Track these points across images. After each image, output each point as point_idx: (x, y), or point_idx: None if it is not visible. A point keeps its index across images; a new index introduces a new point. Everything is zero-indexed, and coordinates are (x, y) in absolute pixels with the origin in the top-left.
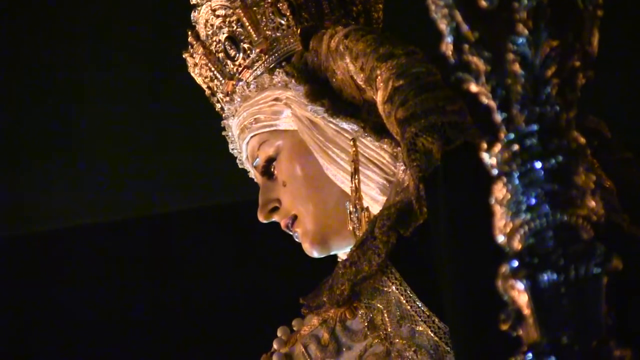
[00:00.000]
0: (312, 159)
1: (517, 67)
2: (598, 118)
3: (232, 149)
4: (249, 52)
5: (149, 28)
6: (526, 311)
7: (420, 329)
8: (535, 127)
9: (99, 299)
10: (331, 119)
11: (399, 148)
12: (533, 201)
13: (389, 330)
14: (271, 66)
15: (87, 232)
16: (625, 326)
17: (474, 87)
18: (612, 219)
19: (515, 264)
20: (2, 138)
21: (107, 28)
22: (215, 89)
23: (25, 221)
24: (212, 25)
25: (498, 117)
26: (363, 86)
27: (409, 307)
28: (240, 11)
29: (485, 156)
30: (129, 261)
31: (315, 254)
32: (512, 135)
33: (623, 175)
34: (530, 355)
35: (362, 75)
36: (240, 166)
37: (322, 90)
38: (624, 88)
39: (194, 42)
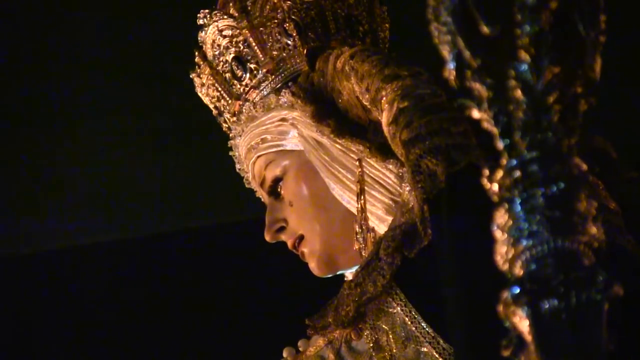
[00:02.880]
0: (319, 179)
1: (519, 94)
2: (604, 139)
3: (239, 169)
4: (255, 72)
5: (153, 47)
6: (527, 337)
7: (425, 350)
8: (536, 153)
9: (105, 318)
10: (337, 140)
11: (405, 168)
12: (534, 227)
13: (394, 351)
14: (277, 86)
15: (87, 252)
16: (628, 351)
17: (476, 113)
18: (617, 240)
19: (517, 290)
20: (13, 153)
21: (109, 46)
22: (222, 108)
23: (29, 242)
24: (219, 45)
25: (500, 143)
26: (368, 107)
27: (413, 328)
28: (246, 31)
29: (486, 182)
30: (129, 282)
31: (321, 273)
32: (514, 162)
33: (628, 196)
34: None
35: (367, 96)
36: (247, 185)
37: (328, 110)
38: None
39: (201, 62)
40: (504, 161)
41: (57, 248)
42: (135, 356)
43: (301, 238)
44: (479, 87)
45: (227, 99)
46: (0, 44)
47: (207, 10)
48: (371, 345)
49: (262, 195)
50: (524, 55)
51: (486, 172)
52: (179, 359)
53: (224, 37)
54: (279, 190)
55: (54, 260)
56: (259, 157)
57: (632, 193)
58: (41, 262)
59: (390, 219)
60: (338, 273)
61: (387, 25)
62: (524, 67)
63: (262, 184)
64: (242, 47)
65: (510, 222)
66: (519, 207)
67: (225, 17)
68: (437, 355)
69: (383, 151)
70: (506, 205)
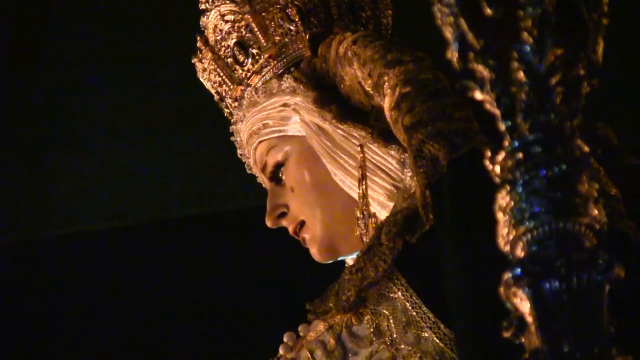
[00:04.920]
0: (320, 164)
1: (521, 76)
2: (607, 125)
3: (241, 154)
4: (257, 57)
5: (156, 33)
6: (528, 319)
7: (426, 335)
8: (539, 135)
9: (107, 304)
10: (339, 125)
11: (407, 154)
12: (536, 209)
13: (395, 336)
14: (280, 72)
15: (95, 237)
16: (628, 334)
17: (478, 95)
18: (618, 226)
19: (518, 271)
20: (15, 142)
21: (115, 30)
22: (223, 94)
23: (36, 226)
24: (220, 30)
25: (502, 125)
26: (371, 92)
27: (414, 313)
28: (249, 17)
29: (489, 164)
30: (136, 267)
31: (322, 259)
32: (516, 143)
33: (629, 182)
34: None
35: (369, 81)
36: (248, 171)
37: (330, 96)
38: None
39: (203, 48)
40: (506, 143)
41: (59, 234)
42: (139, 342)
43: (302, 224)
44: (481, 69)
45: (229, 84)
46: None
47: None
48: (372, 330)
49: (264, 180)
50: (527, 37)
51: (488, 153)
52: (179, 343)
53: (226, 22)
54: (280, 175)
55: (57, 246)
56: (260, 142)
57: (632, 179)
58: (42, 249)
59: (391, 204)
60: (339, 259)
61: (389, 11)
62: (527, 49)
63: (263, 170)
64: (244, 32)
65: (512, 204)
66: (520, 189)
67: (228, 2)
68: (437, 340)
69: (385, 137)
70: (508, 187)
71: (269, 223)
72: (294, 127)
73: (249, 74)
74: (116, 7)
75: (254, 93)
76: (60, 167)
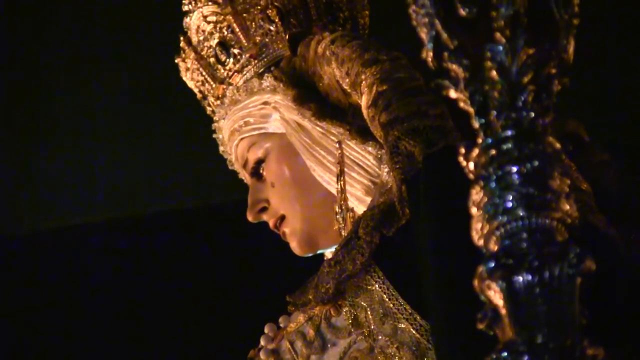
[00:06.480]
0: (300, 161)
1: (494, 74)
2: (577, 121)
3: (223, 151)
4: (239, 57)
5: (141, 32)
6: (502, 311)
7: (403, 326)
8: (511, 132)
9: (100, 297)
10: (318, 122)
11: (383, 150)
12: (509, 204)
13: (372, 327)
14: (260, 71)
15: (85, 230)
16: (599, 325)
17: (453, 93)
18: (589, 220)
19: (492, 264)
20: (4, 133)
21: (101, 30)
22: (206, 92)
23: (28, 219)
24: (203, 31)
25: (476, 122)
26: (348, 90)
27: (391, 305)
28: (230, 17)
29: (463, 160)
30: (121, 260)
31: (302, 252)
32: (489, 140)
33: (600, 177)
34: (505, 353)
35: (347, 80)
36: (230, 167)
37: (309, 94)
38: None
39: (186, 48)
40: (479, 140)
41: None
42: (125, 332)
43: (282, 218)
44: (455, 68)
45: (211, 82)
46: None
47: None
48: (350, 321)
49: (245, 176)
50: (500, 37)
51: (462, 150)
52: (162, 333)
53: (209, 23)
54: (261, 171)
55: (45, 240)
56: (242, 139)
57: (603, 175)
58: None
59: (369, 199)
60: (318, 252)
61: (367, 12)
62: (500, 48)
63: (244, 166)
64: (226, 33)
65: (486, 199)
66: (494, 184)
67: (210, 3)
68: (414, 331)
69: (362, 134)
70: (482, 183)
71: (250, 217)
72: (274, 125)
73: (230, 73)
74: (101, 7)
75: (235, 91)
76: (45, 161)
